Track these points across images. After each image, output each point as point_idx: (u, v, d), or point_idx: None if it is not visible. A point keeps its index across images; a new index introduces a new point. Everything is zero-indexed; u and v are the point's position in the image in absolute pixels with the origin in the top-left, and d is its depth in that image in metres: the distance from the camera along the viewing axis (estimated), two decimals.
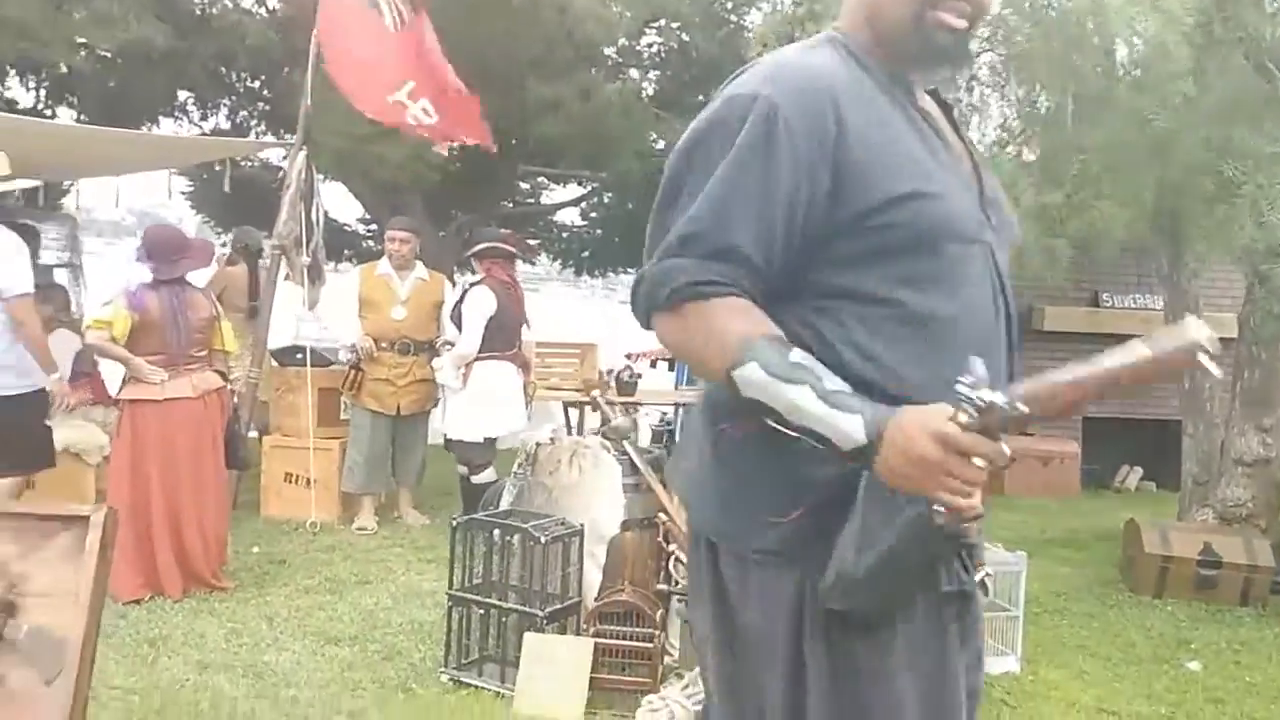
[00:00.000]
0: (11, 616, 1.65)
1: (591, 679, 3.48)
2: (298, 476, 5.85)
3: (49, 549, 1.70)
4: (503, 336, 5.62)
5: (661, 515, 3.78)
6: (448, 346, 5.64)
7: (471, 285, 5.71)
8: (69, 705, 1.62)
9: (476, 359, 5.54)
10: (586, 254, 12.96)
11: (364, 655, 3.92)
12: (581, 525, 3.73)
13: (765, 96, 1.37)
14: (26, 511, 1.76)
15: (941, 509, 1.23)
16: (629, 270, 14.87)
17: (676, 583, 3.59)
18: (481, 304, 5.55)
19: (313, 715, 3.37)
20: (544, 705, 3.43)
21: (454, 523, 3.78)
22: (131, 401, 4.52)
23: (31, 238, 7.34)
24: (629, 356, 12.93)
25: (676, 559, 3.60)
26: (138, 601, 4.33)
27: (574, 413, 7.02)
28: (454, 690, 3.62)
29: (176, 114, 10.78)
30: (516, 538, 3.64)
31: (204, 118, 10.93)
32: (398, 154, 7.50)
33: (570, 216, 13.46)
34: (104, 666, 3.62)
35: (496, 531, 3.71)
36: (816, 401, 1.28)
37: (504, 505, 4.09)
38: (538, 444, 4.06)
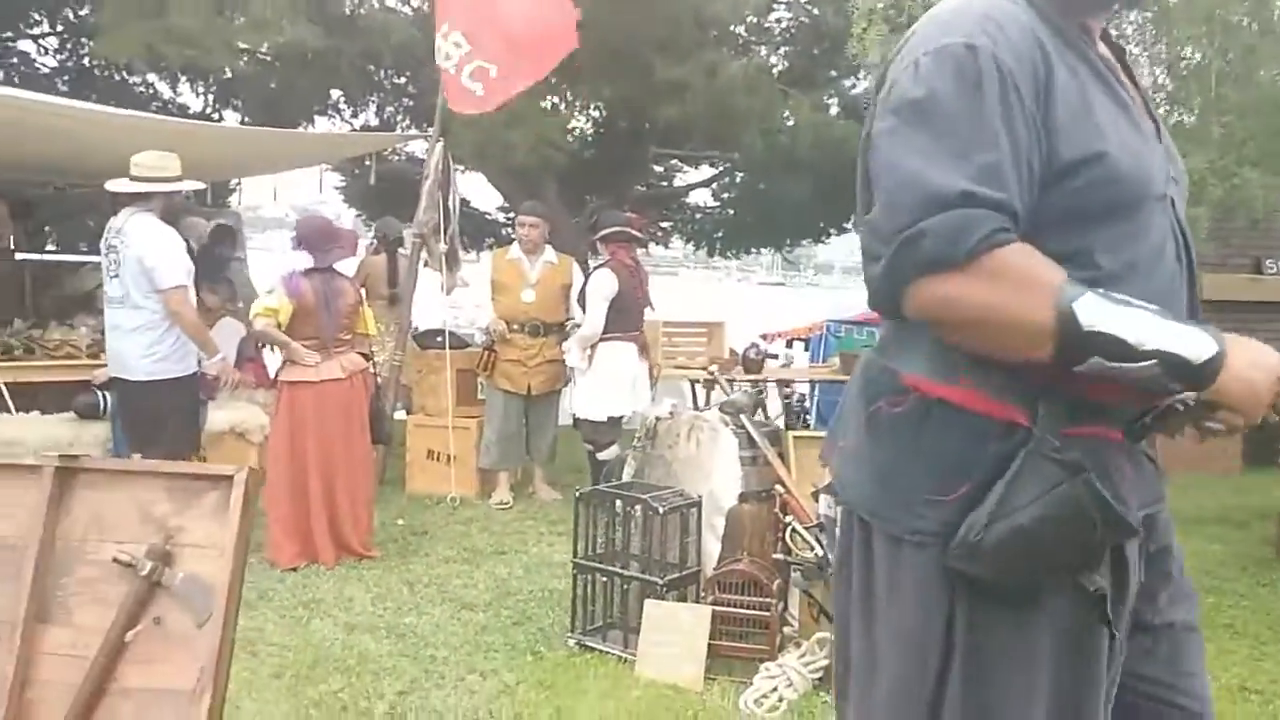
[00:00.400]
0: (168, 566, 1.86)
1: (710, 646, 3.58)
2: (439, 454, 6.15)
3: (200, 505, 1.90)
4: (625, 318, 5.75)
5: (778, 487, 3.83)
6: (577, 328, 5.81)
7: (595, 268, 5.85)
8: (217, 646, 1.82)
9: (600, 340, 5.68)
10: (719, 235, 12.98)
11: (497, 620, 4.13)
12: (699, 497, 3.82)
13: (985, 49, 1.31)
14: (181, 471, 1.97)
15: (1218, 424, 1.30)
16: (761, 250, 14.83)
17: (793, 554, 3.62)
18: (604, 286, 5.68)
19: (449, 673, 3.58)
20: (664, 670, 3.54)
21: (577, 494, 3.93)
22: (289, 383, 4.85)
23: (226, 236, 7.94)
24: (764, 337, 12.93)
25: (793, 530, 3.64)
26: (295, 569, 4.67)
27: (700, 390, 7.10)
28: (579, 654, 3.78)
29: (330, 112, 11.40)
30: (637, 508, 3.76)
31: (354, 115, 11.50)
32: (525, 140, 7.72)
33: (702, 198, 13.50)
34: (262, 626, 3.96)
35: (618, 503, 3.84)
36: (1163, 320, 1.26)
37: (625, 478, 4.22)
38: (657, 418, 4.17)
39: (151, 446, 4.84)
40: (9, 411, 5.29)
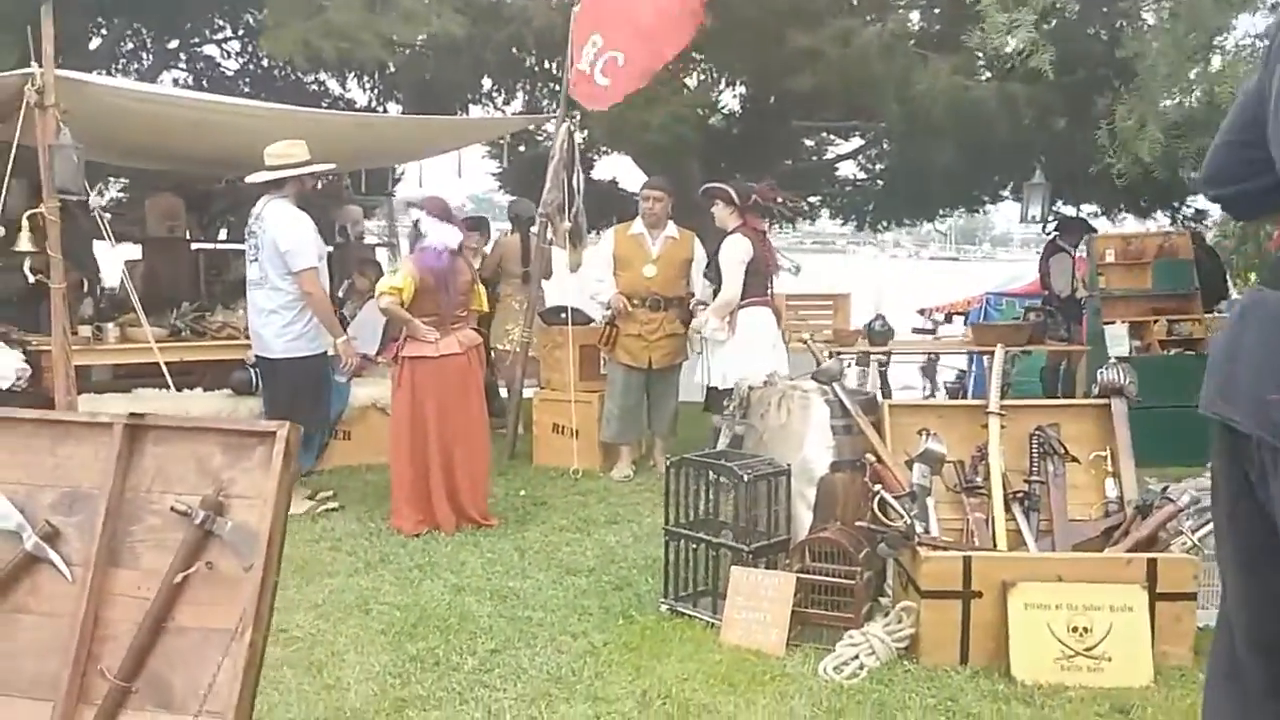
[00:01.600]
0: (220, 515, 2.04)
1: (796, 613, 3.57)
2: (563, 427, 6.33)
3: (250, 459, 2.07)
4: (759, 283, 5.70)
5: (869, 456, 3.77)
6: (701, 306, 5.79)
7: (728, 234, 5.76)
8: (258, 589, 1.98)
9: (739, 306, 5.62)
10: (869, 208, 12.66)
11: (597, 585, 4.25)
12: (788, 465, 3.80)
13: None
14: (231, 428, 2.15)
15: None
16: (911, 223, 14.35)
17: (883, 523, 3.56)
18: (739, 251, 5.62)
19: (541, 634, 3.72)
20: (748, 636, 3.56)
21: (668, 462, 3.98)
22: (411, 358, 5.09)
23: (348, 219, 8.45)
24: (922, 312, 12.54)
25: (881, 499, 3.57)
26: (417, 535, 4.92)
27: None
28: (670, 619, 3.84)
29: (483, 100, 11.83)
30: (724, 477, 3.77)
31: (506, 101, 11.88)
32: (656, 119, 7.79)
33: (850, 171, 13.20)
34: (379, 586, 4.22)
35: (710, 472, 3.87)
36: None
37: (720, 446, 4.24)
38: (750, 388, 4.17)
39: (292, 417, 5.22)
40: (170, 388, 5.79)
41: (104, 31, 10.99)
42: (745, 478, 3.66)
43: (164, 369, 5.80)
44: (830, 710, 3.12)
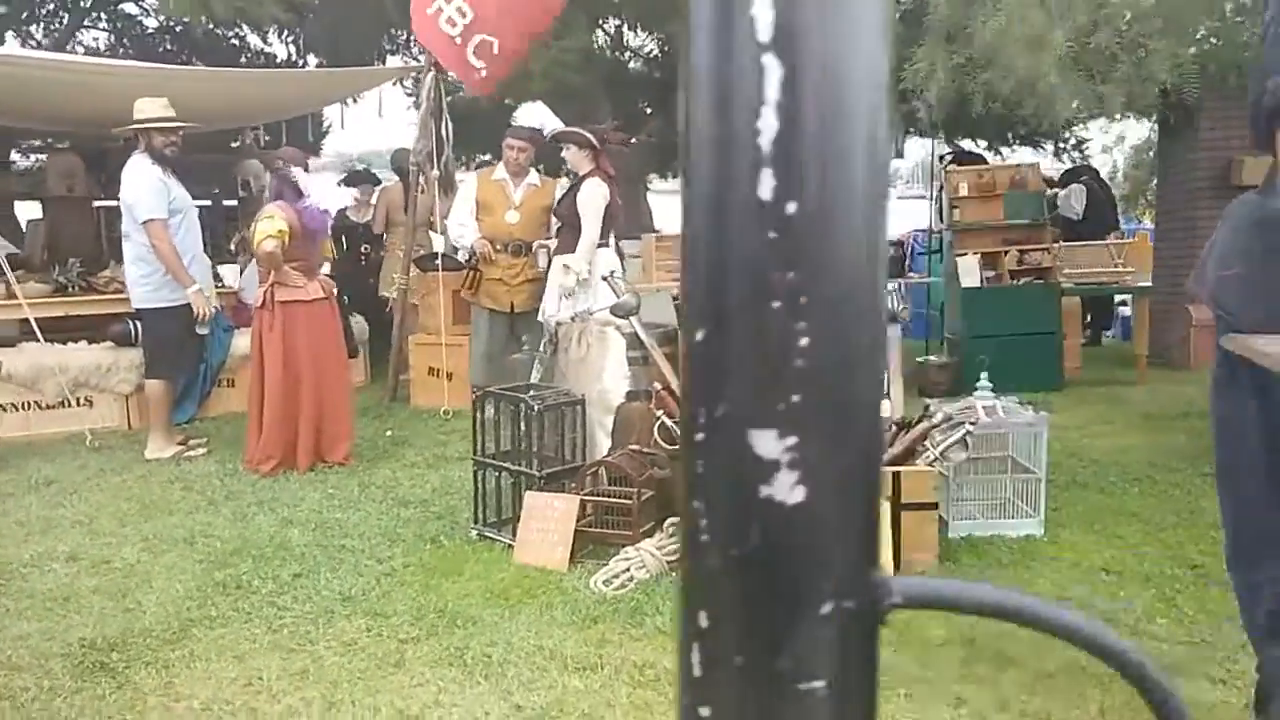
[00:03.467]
0: None
1: (583, 532, 3.79)
2: (438, 370, 6.51)
3: None
4: (608, 226, 5.84)
5: (655, 384, 3.97)
6: (543, 249, 5.94)
7: (583, 177, 5.85)
8: None
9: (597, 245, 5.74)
10: None
11: (422, 515, 4.46)
12: (582, 396, 4.00)
13: None
14: None
15: None
16: None
17: (663, 447, 3.77)
18: (599, 194, 5.70)
19: (348, 559, 3.93)
20: (538, 555, 3.79)
21: (474, 395, 4.18)
22: (284, 303, 5.13)
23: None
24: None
25: (664, 425, 3.78)
26: (271, 475, 5.11)
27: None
28: (475, 543, 4.06)
29: (399, 50, 11.91)
30: (518, 407, 3.97)
31: (422, 52, 11.95)
32: (539, 67, 7.86)
33: None
34: (213, 521, 4.43)
35: (508, 403, 4.07)
36: None
37: (534, 379, 4.43)
38: (558, 323, 4.35)
39: (157, 366, 5.39)
40: (40, 341, 5.95)
41: None
42: (535, 408, 3.86)
43: (34, 324, 5.96)
44: (588, 617, 3.35)
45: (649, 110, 12.64)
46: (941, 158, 9.32)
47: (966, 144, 10.19)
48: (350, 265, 8.46)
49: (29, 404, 5.99)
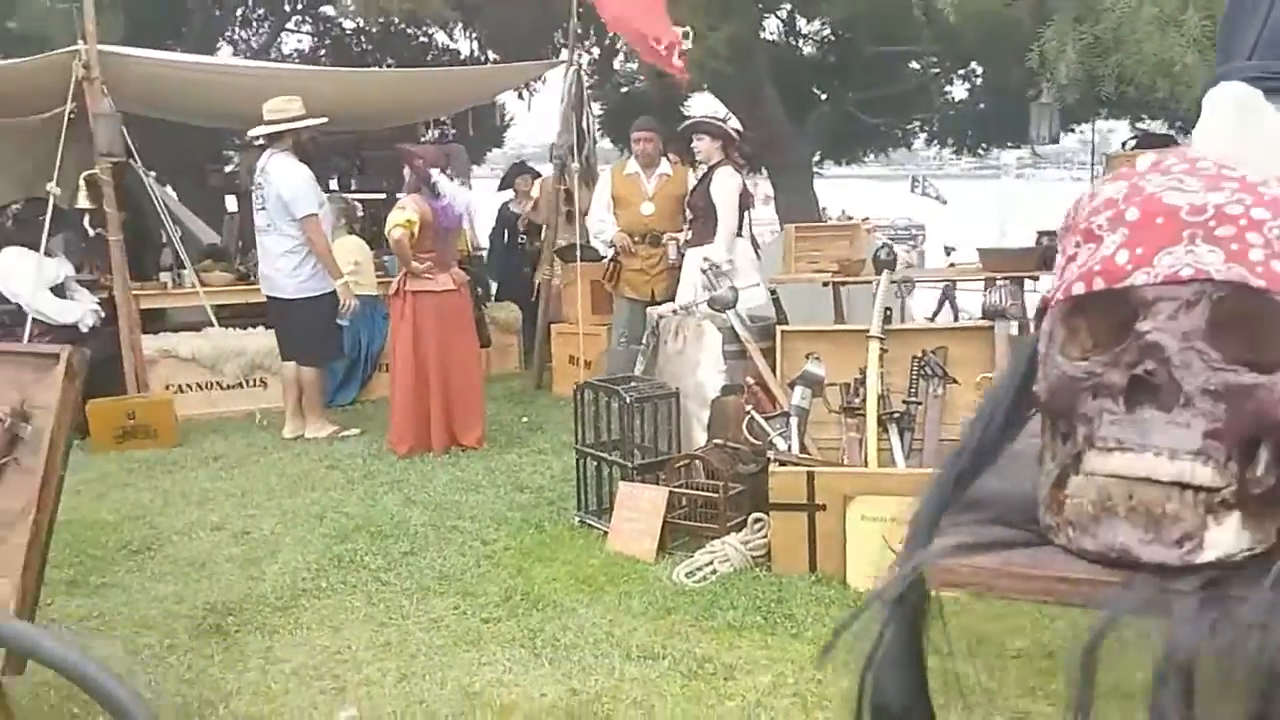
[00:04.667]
0: (25, 420, 2.53)
1: (672, 524, 3.84)
2: (577, 358, 6.68)
3: (49, 377, 2.54)
4: (740, 217, 5.85)
5: (749, 379, 3.95)
6: (673, 241, 5.98)
7: (714, 166, 5.88)
8: (42, 479, 2.46)
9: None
10: (969, 132, 12.24)
11: (536, 500, 4.63)
12: (676, 389, 4.03)
13: None
14: (33, 351, 2.63)
15: None
16: (1015, 145, 13.70)
17: (750, 442, 3.76)
18: (734, 183, 5.72)
19: (456, 539, 4.14)
20: (628, 544, 3.87)
21: (575, 387, 4.29)
22: (414, 293, 5.46)
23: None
24: (1047, 234, 12.06)
25: (753, 419, 3.76)
26: (408, 456, 5.41)
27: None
28: (576, 529, 4.18)
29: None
30: (613, 399, 4.05)
31: (598, 44, 12.21)
32: (691, 55, 7.87)
33: (959, 93, 12.75)
34: (345, 499, 4.75)
35: (604, 394, 4.15)
36: None
37: (637, 372, 4.49)
38: (659, 317, 4.39)
39: (299, 354, 5.81)
40: (217, 326, 6.55)
41: (218, 3, 11.92)
42: (628, 400, 3.93)
43: (209, 310, 6.55)
44: (663, 608, 3.40)
45: (824, 96, 12.45)
46: (1125, 142, 8.69)
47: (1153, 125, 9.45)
48: (508, 255, 8.80)
49: (211, 384, 6.59)
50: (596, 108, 13.59)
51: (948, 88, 12.07)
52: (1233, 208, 0.63)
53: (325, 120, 5.78)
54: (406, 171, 5.53)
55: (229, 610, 3.51)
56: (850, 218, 11.91)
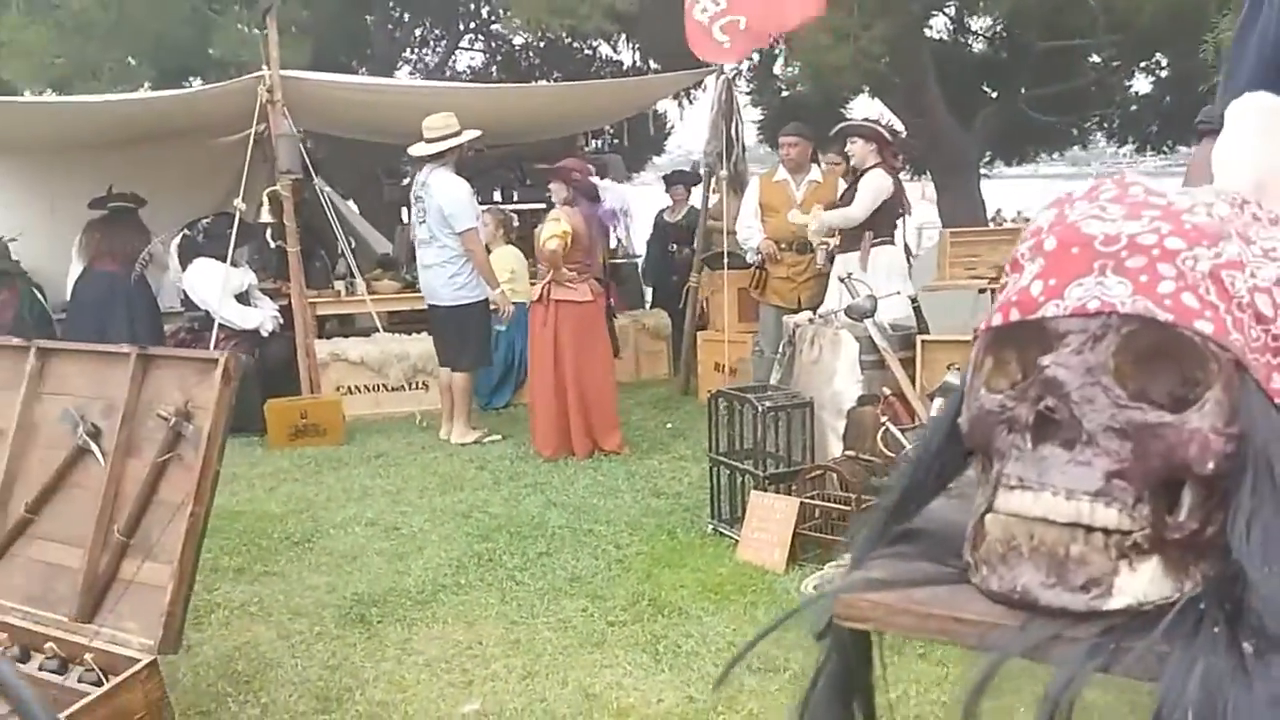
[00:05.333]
0: (187, 420, 2.76)
1: (801, 535, 3.80)
2: (723, 365, 6.69)
3: (209, 380, 2.77)
4: (888, 222, 5.72)
5: (886, 390, 3.86)
6: (824, 246, 5.90)
7: (867, 169, 5.78)
8: (199, 474, 2.68)
9: (872, 244, 5.65)
10: (1154, 129, 11.51)
11: (672, 506, 4.67)
12: (809, 398, 3.99)
13: None
14: (195, 356, 2.86)
15: None
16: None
17: (884, 454, 3.68)
18: (880, 184, 5.62)
19: (590, 542, 4.23)
20: (758, 554, 3.85)
21: (708, 395, 4.30)
22: (558, 301, 5.65)
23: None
24: None
25: (888, 431, 3.68)
26: (554, 459, 5.56)
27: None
28: (709, 537, 4.19)
29: None
30: (746, 408, 4.04)
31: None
32: (838, 57, 7.76)
33: (1141, 87, 12.03)
34: (490, 499, 4.92)
35: (737, 403, 4.15)
36: None
37: (773, 380, 4.46)
38: (795, 325, 4.34)
39: (456, 358, 6.06)
40: (381, 330, 6.91)
41: (395, 25, 12.57)
42: (759, 409, 3.91)
43: (375, 317, 6.92)
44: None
45: (994, 94, 12.01)
46: None
47: None
48: (661, 262, 8.90)
49: (378, 386, 6.96)
50: (757, 113, 13.72)
51: (1128, 82, 11.42)
52: (1146, 237, 0.59)
53: (480, 134, 6.01)
54: (554, 186, 5.70)
55: (374, 601, 3.70)
56: (1029, 220, 11.40)
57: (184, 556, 2.66)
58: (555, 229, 5.57)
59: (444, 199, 5.77)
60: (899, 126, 6.04)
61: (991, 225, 10.38)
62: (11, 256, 6.95)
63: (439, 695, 3.02)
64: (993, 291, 5.67)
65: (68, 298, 6.96)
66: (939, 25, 12.44)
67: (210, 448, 2.71)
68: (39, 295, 6.87)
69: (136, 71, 9.49)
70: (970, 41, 12.33)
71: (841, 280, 4.83)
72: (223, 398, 2.73)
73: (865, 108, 13.00)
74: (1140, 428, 0.58)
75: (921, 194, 12.18)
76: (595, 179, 6.04)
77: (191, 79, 9.98)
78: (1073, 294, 0.60)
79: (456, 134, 5.82)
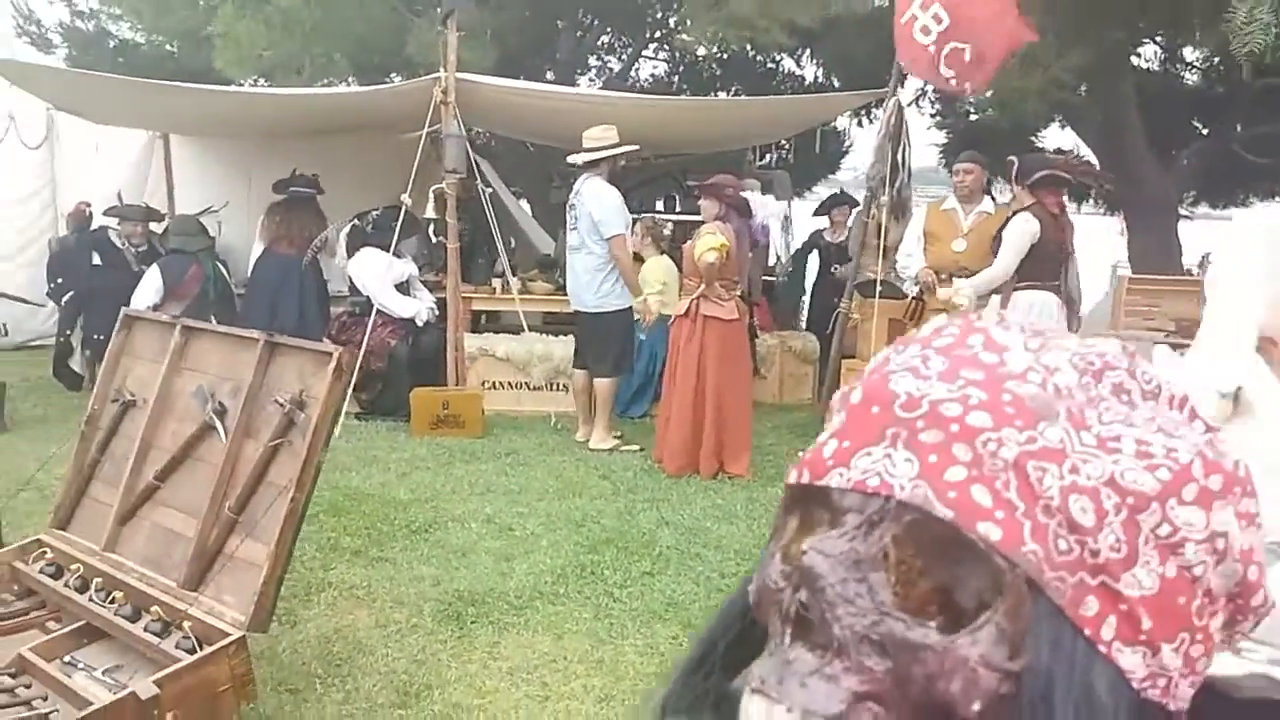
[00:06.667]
0: (300, 408, 2.88)
1: None
2: None
3: (324, 371, 2.87)
4: (1046, 267, 5.43)
5: None
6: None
7: (1015, 213, 5.56)
8: (303, 462, 2.78)
9: (1016, 287, 5.45)
10: None
11: None
12: None
13: None
14: (312, 348, 2.97)
15: None
16: None
17: None
18: (1024, 229, 5.39)
19: (697, 566, 4.17)
20: None
21: None
22: (707, 317, 5.61)
23: None
24: None
25: None
26: (678, 475, 5.52)
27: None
28: None
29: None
30: None
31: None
32: (1026, 84, 7.38)
33: None
34: (605, 510, 4.93)
35: None
36: None
37: None
38: None
39: (598, 364, 6.11)
40: (527, 331, 7.06)
41: (582, 31, 12.83)
42: None
43: (521, 316, 7.06)
44: None
45: (1204, 129, 11.21)
46: None
47: None
48: (818, 283, 8.73)
49: (520, 384, 7.11)
50: (940, 135, 13.30)
51: None
52: (950, 406, 0.48)
53: (637, 148, 6.04)
54: (704, 203, 5.68)
55: (472, 600, 3.77)
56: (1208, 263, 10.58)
57: (281, 539, 2.76)
58: (713, 242, 5.52)
59: (594, 205, 5.84)
60: (1091, 158, 5.65)
61: (1195, 273, 9.62)
62: (209, 233, 7.48)
63: (515, 705, 3.04)
64: (1173, 345, 5.26)
65: (249, 275, 7.44)
66: (1149, 54, 11.72)
67: (316, 437, 2.81)
68: (224, 270, 7.36)
69: (336, 67, 10.07)
70: (1182, 72, 11.55)
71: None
72: (333, 390, 2.83)
73: (1057, 138, 12.40)
74: (901, 645, 0.47)
75: (1120, 230, 11.47)
76: (754, 194, 5.97)
77: (392, 76, 10.50)
78: (859, 464, 0.50)
79: (614, 145, 5.87)
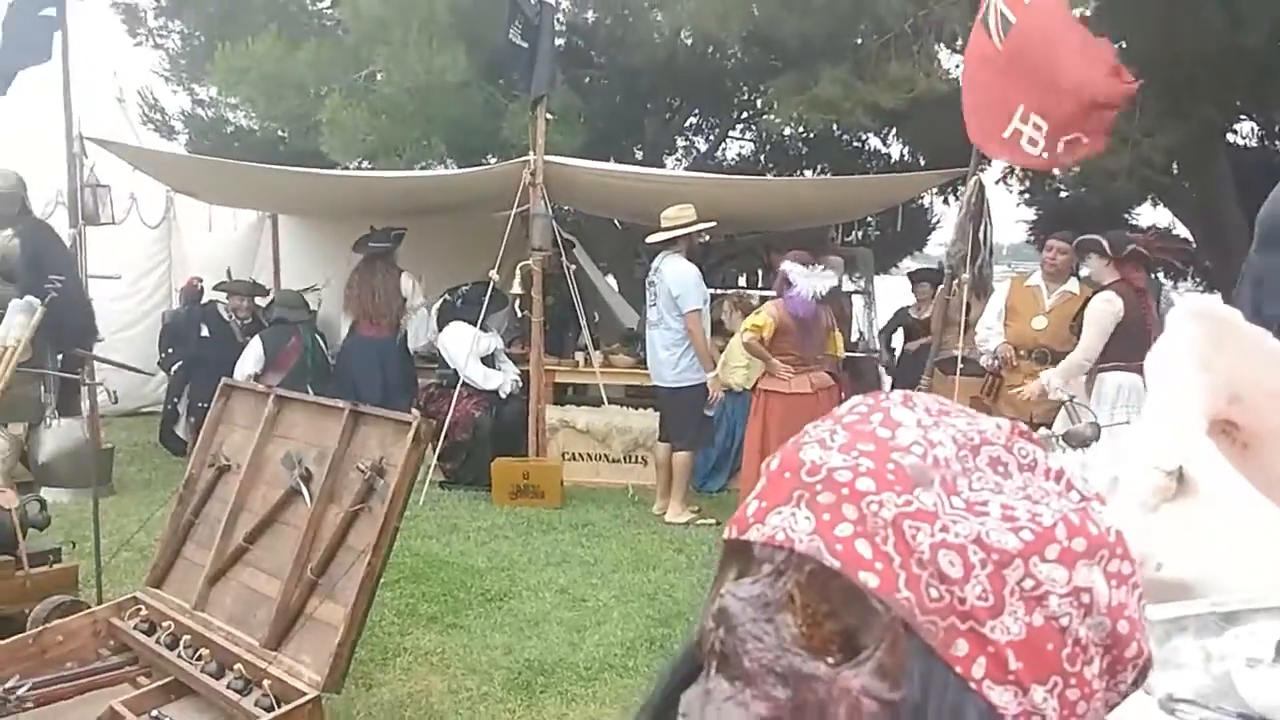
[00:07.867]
0: (380, 475, 3.01)
1: None
2: None
3: (403, 440, 3.01)
4: (1131, 345, 5.33)
5: None
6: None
7: (1097, 291, 5.51)
8: (380, 527, 2.91)
9: (1101, 368, 5.38)
10: None
11: None
12: None
13: None
14: (392, 417, 3.12)
15: None
16: None
17: None
18: (1107, 309, 5.34)
19: None
20: None
21: None
22: (765, 391, 5.70)
23: None
24: None
25: None
26: None
27: None
28: None
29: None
30: None
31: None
32: (1114, 163, 7.33)
33: None
34: (678, 583, 4.95)
35: None
36: None
37: None
38: None
39: (683, 438, 6.18)
40: (606, 404, 7.17)
41: (670, 113, 13.18)
42: None
43: (602, 390, 7.19)
44: None
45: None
46: None
47: None
48: (901, 359, 8.70)
49: (600, 455, 7.21)
50: (1030, 213, 13.20)
51: None
52: (843, 473, 0.56)
53: (714, 224, 6.19)
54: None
55: (543, 670, 3.82)
56: None
57: (357, 602, 2.88)
58: (749, 321, 5.67)
59: (673, 281, 5.97)
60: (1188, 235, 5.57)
61: None
62: (309, 307, 7.85)
63: None
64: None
65: (337, 354, 7.79)
66: (1246, 129, 11.52)
67: (394, 503, 2.94)
68: (321, 342, 7.70)
69: (434, 149, 10.55)
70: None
71: (1063, 404, 4.52)
72: (410, 458, 2.96)
73: (1151, 215, 12.19)
74: (798, 676, 0.55)
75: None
76: (826, 269, 6.01)
77: (489, 157, 10.95)
78: (771, 521, 0.58)
79: (691, 223, 6.02)
